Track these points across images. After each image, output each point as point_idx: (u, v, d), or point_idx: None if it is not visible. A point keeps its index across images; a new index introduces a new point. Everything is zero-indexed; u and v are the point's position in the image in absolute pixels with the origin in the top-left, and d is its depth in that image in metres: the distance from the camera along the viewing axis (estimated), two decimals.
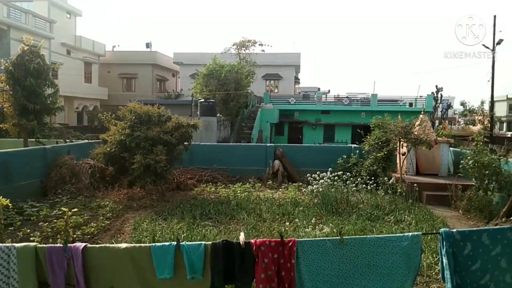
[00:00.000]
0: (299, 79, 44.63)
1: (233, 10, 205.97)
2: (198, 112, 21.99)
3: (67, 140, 16.08)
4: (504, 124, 54.98)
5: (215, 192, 11.49)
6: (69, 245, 2.39)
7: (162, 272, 2.24)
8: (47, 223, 7.92)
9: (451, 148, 13.30)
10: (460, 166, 10.30)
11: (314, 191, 10.33)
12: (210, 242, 2.29)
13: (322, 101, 32.00)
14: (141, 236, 7.05)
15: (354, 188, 10.39)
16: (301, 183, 12.47)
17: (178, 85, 41.51)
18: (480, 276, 2.18)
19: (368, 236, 2.33)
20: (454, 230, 2.19)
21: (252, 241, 2.29)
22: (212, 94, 24.48)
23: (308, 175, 11.27)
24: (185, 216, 8.45)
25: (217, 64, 25.81)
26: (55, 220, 8.06)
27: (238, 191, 11.31)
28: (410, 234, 2.20)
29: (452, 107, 50.83)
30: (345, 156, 13.86)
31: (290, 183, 13.03)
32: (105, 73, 37.30)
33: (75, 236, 7.04)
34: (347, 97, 33.32)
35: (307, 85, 48.53)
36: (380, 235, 2.33)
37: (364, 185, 10.66)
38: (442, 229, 2.19)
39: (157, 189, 10.90)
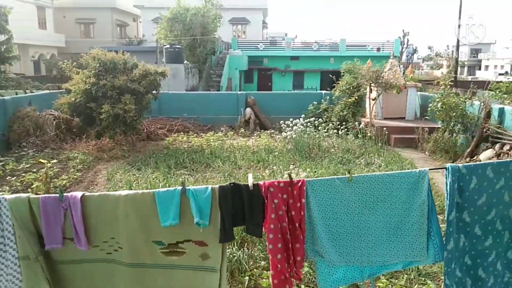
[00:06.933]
0: (267, 24, 43.29)
1: None
2: (163, 59, 21.14)
3: (27, 90, 15.22)
4: (465, 69, 56.41)
5: (188, 141, 11.38)
6: (65, 194, 2.23)
7: (166, 219, 2.16)
8: (15, 177, 7.64)
9: (418, 92, 13.61)
10: (428, 109, 10.63)
11: (288, 137, 10.44)
12: (217, 186, 2.24)
13: (291, 46, 31.41)
14: (116, 187, 6.96)
15: (326, 133, 10.57)
16: (273, 130, 12.55)
17: (140, 30, 39.44)
18: (487, 211, 2.26)
19: (377, 173, 2.39)
20: (460, 164, 2.23)
21: (261, 182, 2.27)
22: (177, 40, 23.45)
23: (281, 122, 11.41)
24: (159, 165, 8.37)
25: (181, 7, 24.50)
26: (24, 174, 7.79)
27: (211, 140, 11.25)
28: (418, 170, 2.25)
29: (418, 52, 51.35)
30: (316, 103, 13.94)
31: (262, 130, 13.08)
32: (60, 18, 34.72)
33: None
34: (315, 42, 32.71)
35: (274, 30, 46.98)
36: (388, 172, 2.39)
37: (335, 131, 10.85)
38: (448, 164, 2.22)
39: (127, 140, 10.67)
